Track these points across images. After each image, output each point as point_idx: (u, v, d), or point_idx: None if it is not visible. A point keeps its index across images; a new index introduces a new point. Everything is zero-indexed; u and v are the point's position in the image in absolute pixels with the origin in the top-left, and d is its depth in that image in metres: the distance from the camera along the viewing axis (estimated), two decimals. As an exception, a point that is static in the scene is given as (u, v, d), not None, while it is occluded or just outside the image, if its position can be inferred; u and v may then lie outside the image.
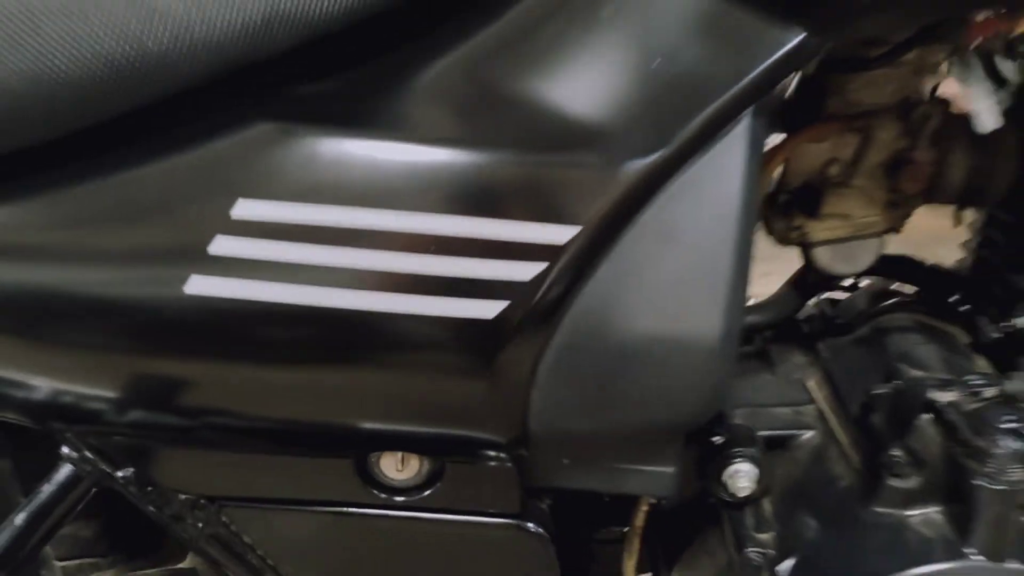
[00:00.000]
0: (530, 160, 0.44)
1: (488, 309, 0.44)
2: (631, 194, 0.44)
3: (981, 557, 0.51)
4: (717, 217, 0.45)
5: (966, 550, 0.51)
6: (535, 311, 0.44)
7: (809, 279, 0.63)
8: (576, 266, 0.44)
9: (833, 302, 0.68)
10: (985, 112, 0.51)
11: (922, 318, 0.63)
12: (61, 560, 0.69)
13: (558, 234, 0.43)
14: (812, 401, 0.62)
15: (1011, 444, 0.49)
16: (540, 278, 0.43)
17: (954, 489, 0.52)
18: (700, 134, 0.44)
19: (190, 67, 0.41)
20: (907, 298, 0.65)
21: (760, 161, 0.47)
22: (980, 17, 0.50)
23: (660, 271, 0.45)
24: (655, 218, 0.45)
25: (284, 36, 0.41)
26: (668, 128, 0.44)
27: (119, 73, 0.40)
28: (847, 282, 0.69)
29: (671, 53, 0.44)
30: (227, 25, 0.40)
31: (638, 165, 0.44)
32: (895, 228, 0.60)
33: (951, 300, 0.65)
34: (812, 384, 0.63)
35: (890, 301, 0.64)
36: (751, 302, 0.66)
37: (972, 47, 0.52)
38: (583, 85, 0.44)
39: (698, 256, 0.46)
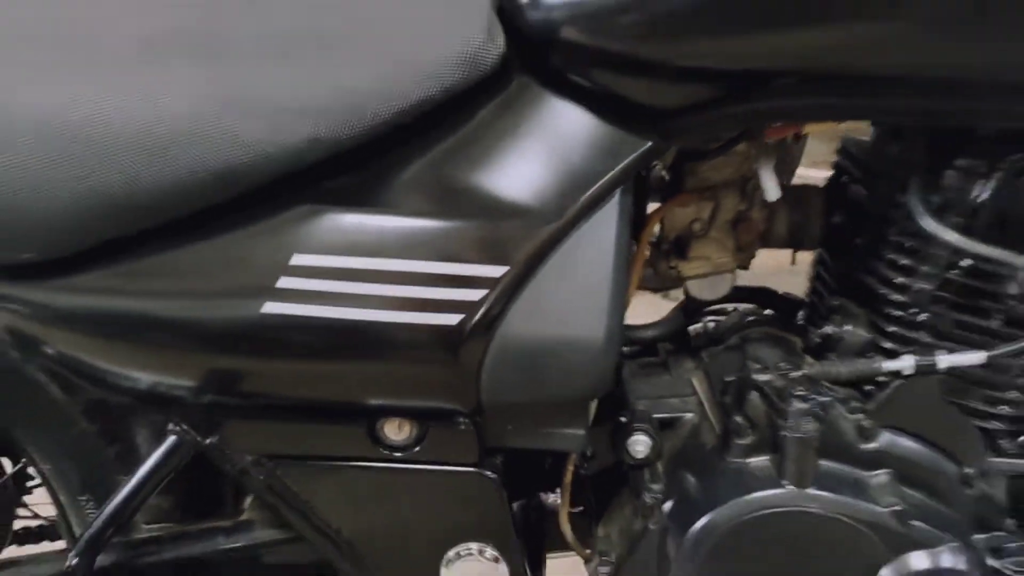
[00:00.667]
0: (477, 224, 0.69)
1: (452, 319, 0.68)
2: (542, 246, 0.69)
3: (792, 486, 0.75)
4: (599, 260, 0.70)
5: (782, 481, 0.75)
6: (481, 320, 0.69)
7: (689, 305, 0.88)
8: (507, 291, 0.69)
9: (716, 321, 0.93)
10: (770, 186, 0.76)
11: (772, 331, 0.87)
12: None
13: (495, 271, 0.68)
14: (695, 393, 0.86)
15: (801, 406, 0.74)
16: (484, 299, 0.68)
17: (773, 441, 0.76)
18: (585, 207, 0.69)
19: (260, 175, 0.67)
20: (764, 317, 0.90)
21: (628, 222, 0.72)
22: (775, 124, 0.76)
23: (562, 296, 0.70)
24: (558, 261, 0.69)
25: (320, 152, 0.67)
26: (564, 204, 0.69)
27: (224, 182, 0.65)
28: (730, 306, 0.94)
29: (566, 155, 0.70)
30: (283, 146, 0.66)
31: (547, 227, 0.68)
32: (743, 266, 0.85)
33: (792, 317, 0.90)
34: (695, 381, 0.86)
35: (751, 319, 0.89)
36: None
37: (771, 141, 0.77)
38: (509, 177, 0.69)
39: (587, 286, 0.70)
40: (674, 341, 0.91)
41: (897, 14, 0.62)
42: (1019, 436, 0.78)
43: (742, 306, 0.92)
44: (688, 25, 0.65)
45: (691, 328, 0.91)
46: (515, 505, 0.85)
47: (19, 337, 0.75)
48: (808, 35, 0.64)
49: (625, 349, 0.90)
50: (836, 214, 0.83)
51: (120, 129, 0.64)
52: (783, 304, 0.91)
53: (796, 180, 0.89)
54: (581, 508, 0.91)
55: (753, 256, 0.85)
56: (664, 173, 0.83)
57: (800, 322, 0.89)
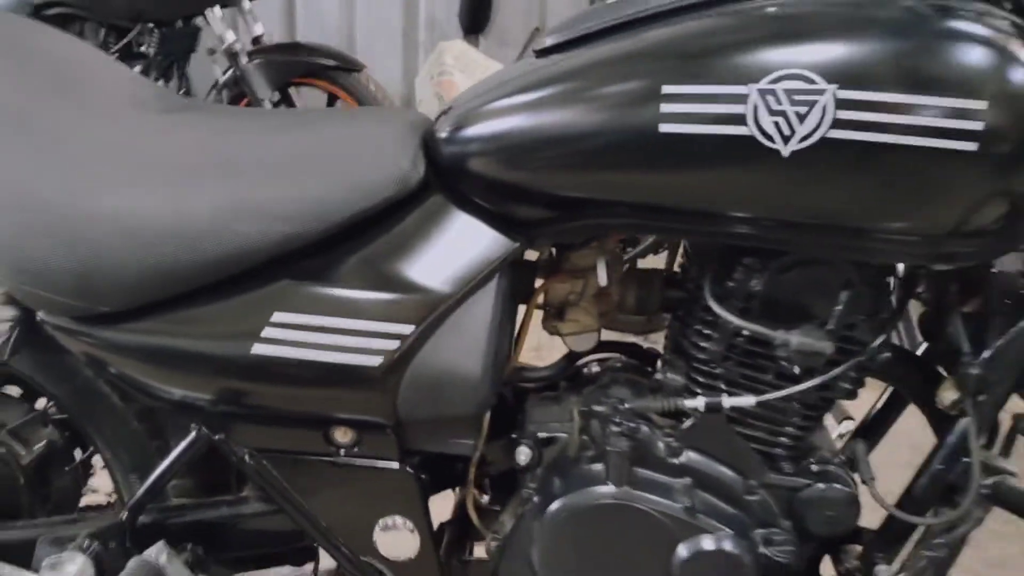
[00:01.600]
0: (397, 296, 1.01)
1: (376, 360, 1.01)
2: (441, 312, 1.01)
3: (613, 486, 1.06)
4: (482, 322, 1.02)
5: (608, 482, 1.06)
6: (396, 361, 1.01)
7: (571, 354, 1.20)
8: (415, 343, 1.01)
9: (599, 366, 1.24)
10: (602, 275, 1.08)
11: (630, 375, 1.17)
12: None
13: (406, 329, 1.00)
14: (572, 419, 1.16)
15: (616, 429, 1.05)
16: (398, 347, 1.01)
17: (604, 454, 1.07)
18: (473, 286, 1.00)
19: (252, 259, 1.00)
20: (628, 364, 1.20)
21: (505, 296, 1.03)
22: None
23: (454, 345, 1.01)
24: (453, 321, 1.01)
25: (293, 244, 1.01)
26: (457, 283, 1.01)
27: (231, 263, 0.99)
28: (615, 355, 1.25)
29: (461, 250, 1.02)
30: (269, 241, 1.00)
31: (445, 299, 1.00)
32: (605, 327, 1.17)
33: (651, 365, 1.21)
34: (574, 410, 1.17)
35: (618, 366, 1.20)
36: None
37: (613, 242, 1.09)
38: (420, 264, 1.01)
39: (472, 339, 1.01)
40: (569, 380, 1.23)
41: (670, 173, 0.94)
42: (799, 461, 1.09)
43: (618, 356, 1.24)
44: (538, 171, 0.98)
45: (583, 370, 1.23)
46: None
47: (93, 362, 1.10)
48: (606, 181, 0.96)
49: (529, 384, 1.22)
50: (671, 291, 1.15)
51: (168, 225, 0.99)
52: (644, 355, 1.22)
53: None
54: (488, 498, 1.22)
55: (612, 320, 1.17)
56: (549, 258, 1.15)
57: (651, 367, 1.20)
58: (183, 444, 1.12)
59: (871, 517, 1.11)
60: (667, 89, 0.87)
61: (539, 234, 1.04)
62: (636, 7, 0.95)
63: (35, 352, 1.16)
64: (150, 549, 1.12)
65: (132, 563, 1.10)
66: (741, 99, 0.85)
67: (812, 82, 0.83)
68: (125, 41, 3.55)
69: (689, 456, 1.07)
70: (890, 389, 1.18)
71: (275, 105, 3.49)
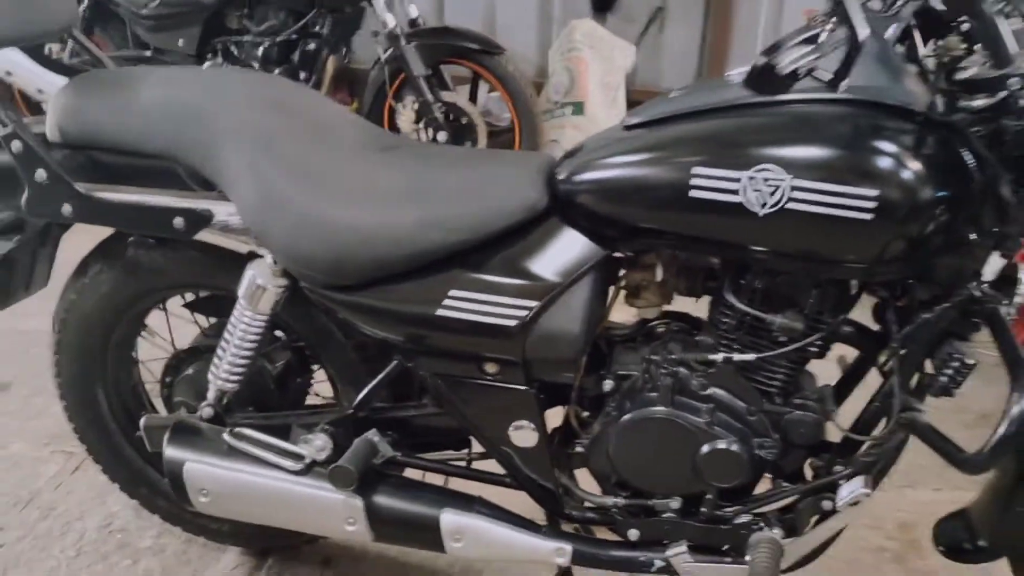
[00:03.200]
0: (525, 283, 1.61)
1: (512, 322, 1.61)
2: (555, 294, 1.58)
3: (661, 406, 1.65)
4: (581, 301, 1.59)
5: (659, 404, 1.65)
6: (526, 323, 1.60)
7: (643, 320, 1.78)
8: (539, 311, 1.60)
9: (661, 327, 1.80)
10: (659, 271, 1.65)
11: (680, 335, 1.73)
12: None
13: (532, 303, 1.59)
14: (640, 363, 1.74)
15: (662, 371, 1.63)
16: (528, 315, 1.60)
17: (655, 388, 1.66)
18: (575, 278, 1.57)
19: (430, 255, 1.61)
20: (682, 328, 1.77)
21: (597, 283, 1.61)
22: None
23: (563, 314, 1.58)
24: (563, 300, 1.57)
25: (452, 247, 1.61)
26: (565, 275, 1.58)
27: (415, 257, 1.61)
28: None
29: (569, 254, 1.60)
30: (438, 244, 1.61)
31: (557, 286, 1.58)
32: (666, 303, 1.74)
33: (694, 329, 1.77)
34: (641, 358, 1.74)
35: (674, 329, 1.77)
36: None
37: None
38: (541, 263, 1.60)
39: (573, 312, 1.59)
40: (642, 337, 1.80)
41: (695, 219, 1.49)
42: (786, 396, 1.64)
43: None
44: (620, 208, 1.52)
45: (652, 331, 1.80)
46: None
47: (328, 312, 1.74)
48: (660, 218, 1.51)
49: (615, 338, 1.80)
50: (708, 283, 1.71)
51: (384, 232, 1.60)
52: (693, 322, 1.79)
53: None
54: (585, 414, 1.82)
55: (671, 299, 1.74)
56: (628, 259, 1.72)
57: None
58: (388, 368, 1.76)
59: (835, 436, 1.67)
60: (695, 170, 1.43)
61: (619, 246, 1.61)
62: (691, 102, 1.50)
63: (295, 306, 1.81)
64: (367, 433, 1.77)
65: (357, 441, 1.75)
66: (737, 180, 1.40)
67: (779, 174, 1.37)
68: (303, 23, 4.22)
69: (713, 391, 1.63)
70: (857, 354, 1.72)
71: (427, 79, 4.10)
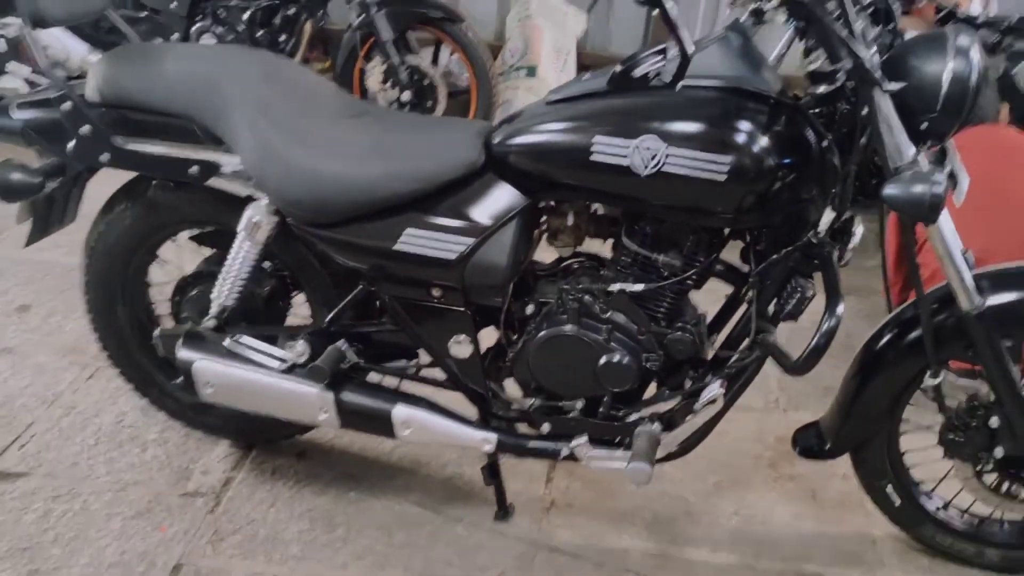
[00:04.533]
0: (460, 223, 2.05)
1: (452, 255, 2.05)
2: (488, 234, 2.02)
3: (570, 325, 2.10)
4: (510, 238, 2.02)
5: (567, 324, 2.10)
6: (464, 256, 2.04)
7: (560, 258, 2.22)
8: (474, 247, 2.04)
9: (575, 264, 2.25)
10: (571, 218, 2.09)
11: (589, 271, 2.16)
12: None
13: (469, 240, 2.03)
14: (555, 293, 2.19)
15: (569, 299, 2.08)
16: (465, 250, 2.04)
17: (564, 312, 2.10)
18: (505, 221, 2.01)
19: (386, 200, 2.05)
20: (591, 264, 2.21)
21: (522, 228, 2.05)
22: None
23: (495, 251, 2.02)
24: (494, 239, 2.00)
25: (407, 192, 2.04)
26: (495, 220, 2.01)
27: (378, 200, 2.04)
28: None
29: (500, 202, 2.03)
30: (394, 192, 2.04)
31: (491, 227, 2.01)
32: (579, 244, 2.18)
33: (600, 266, 2.22)
34: (557, 287, 2.19)
35: (586, 264, 2.21)
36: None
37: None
38: (475, 210, 2.04)
39: (505, 248, 2.02)
40: (559, 272, 2.24)
41: (598, 177, 1.93)
42: (670, 320, 2.09)
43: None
44: (543, 166, 1.95)
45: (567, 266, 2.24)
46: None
47: (307, 244, 2.17)
48: (574, 176, 1.94)
49: (538, 272, 2.24)
50: (611, 228, 2.14)
51: (357, 182, 2.02)
52: (599, 260, 2.23)
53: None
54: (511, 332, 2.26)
55: (583, 241, 2.18)
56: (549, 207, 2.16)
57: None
58: (355, 291, 2.20)
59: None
60: (596, 138, 1.86)
61: (541, 197, 2.05)
62: (597, 84, 1.92)
63: (282, 241, 2.23)
64: (337, 343, 2.21)
65: (329, 348, 2.20)
66: (626, 147, 1.83)
67: (657, 143, 1.81)
68: (285, -11, 4.60)
69: (611, 314, 2.08)
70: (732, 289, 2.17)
71: (394, 43, 4.51)
